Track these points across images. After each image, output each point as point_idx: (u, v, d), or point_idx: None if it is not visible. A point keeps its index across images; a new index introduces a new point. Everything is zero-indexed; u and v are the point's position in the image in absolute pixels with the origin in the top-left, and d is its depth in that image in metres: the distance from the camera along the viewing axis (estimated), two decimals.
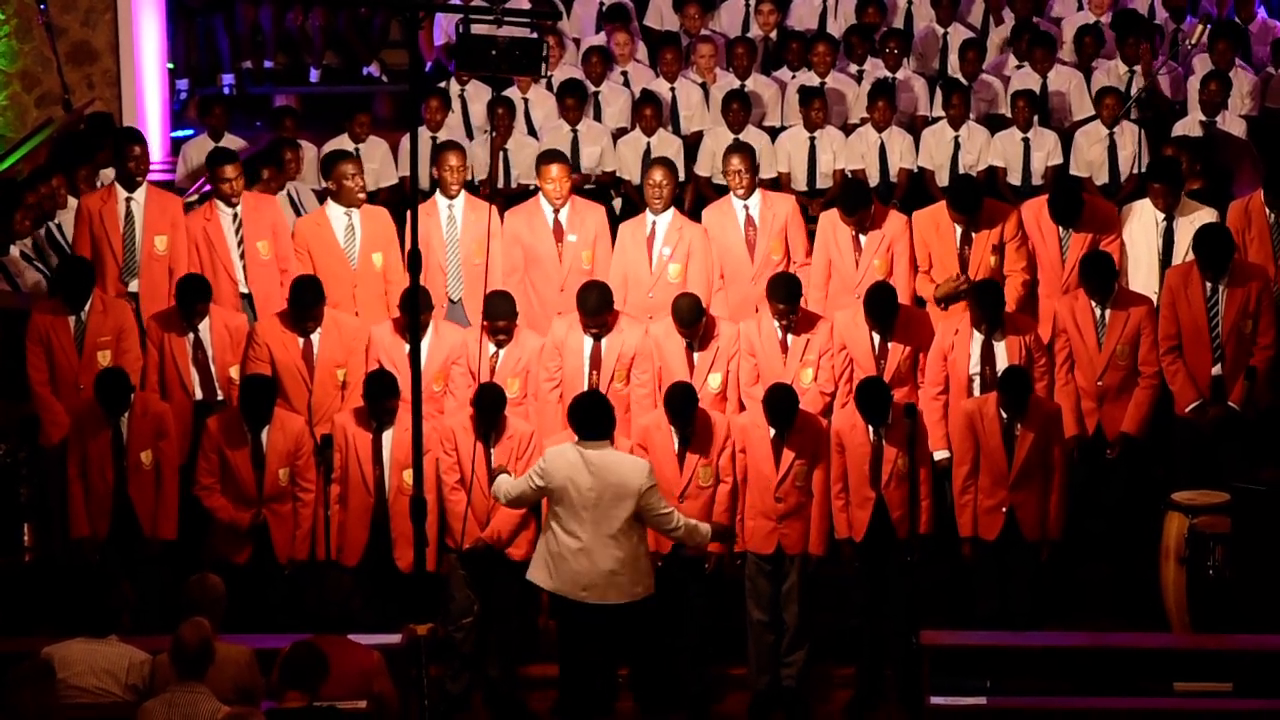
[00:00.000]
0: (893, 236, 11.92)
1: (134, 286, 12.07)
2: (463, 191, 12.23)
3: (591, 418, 10.13)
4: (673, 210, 12.08)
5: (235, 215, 12.11)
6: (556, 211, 12.14)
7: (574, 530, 10.02)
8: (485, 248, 11.80)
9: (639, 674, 10.82)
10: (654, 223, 12.03)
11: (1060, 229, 11.90)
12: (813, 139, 13.96)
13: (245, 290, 12.12)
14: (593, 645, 10.18)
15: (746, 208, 12.09)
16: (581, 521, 10.01)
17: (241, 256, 12.09)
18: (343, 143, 13.75)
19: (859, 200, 11.86)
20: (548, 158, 12.32)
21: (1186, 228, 11.89)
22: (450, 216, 12.17)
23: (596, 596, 10.05)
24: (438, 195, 12.24)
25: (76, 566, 10.80)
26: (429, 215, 12.10)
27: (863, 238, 11.87)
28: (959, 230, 11.87)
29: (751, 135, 13.85)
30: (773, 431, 10.74)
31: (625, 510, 10.01)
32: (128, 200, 12.11)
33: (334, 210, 12.12)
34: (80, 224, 12.12)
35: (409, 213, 9.38)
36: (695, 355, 11.35)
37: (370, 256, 12.06)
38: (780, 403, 10.66)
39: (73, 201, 12.76)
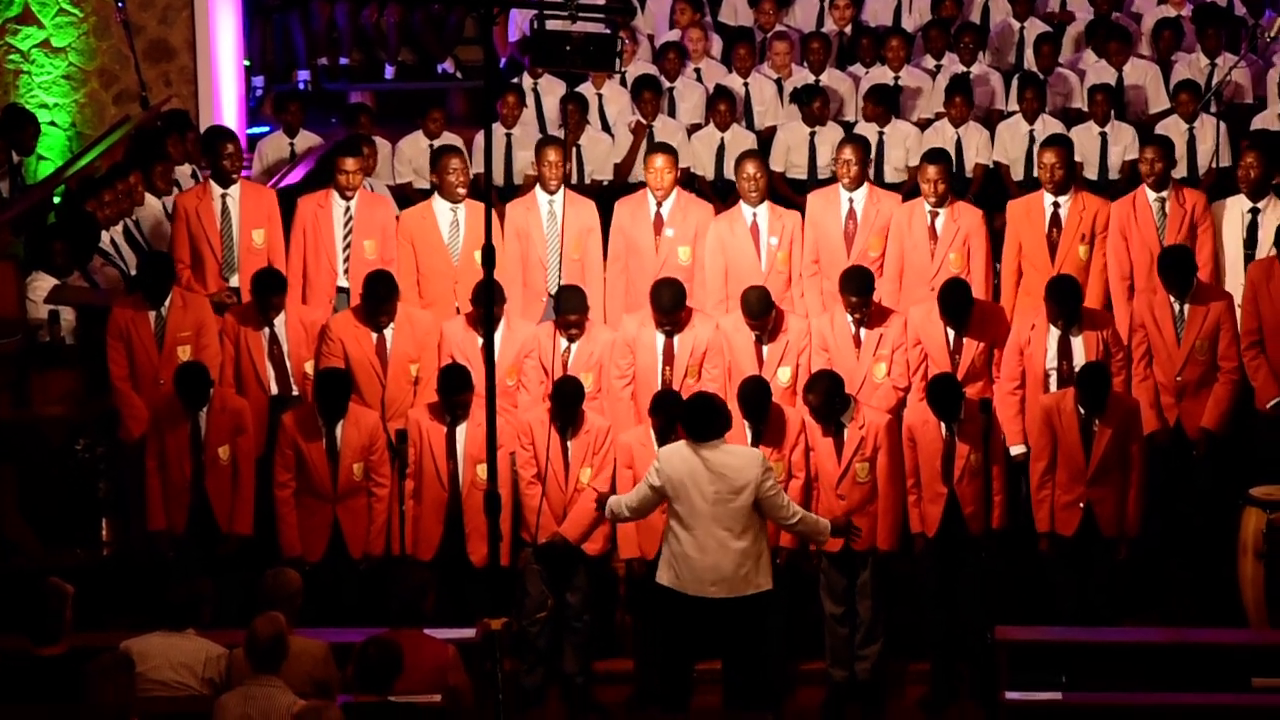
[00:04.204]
0: (969, 230, 11.87)
1: (235, 281, 12.09)
2: (563, 186, 12.13)
3: (705, 419, 9.86)
4: (767, 201, 12.05)
5: (348, 209, 12.04)
6: (659, 204, 12.10)
7: (696, 528, 9.77)
8: (582, 243, 11.81)
9: (739, 669, 10.64)
10: (754, 215, 11.96)
11: (1157, 223, 11.82)
12: (881, 134, 13.88)
13: (342, 284, 12.09)
14: (707, 642, 9.95)
15: (851, 200, 12.03)
16: (703, 519, 9.75)
17: (346, 249, 12.07)
18: (417, 139, 13.79)
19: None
20: (654, 149, 12.32)
21: (1272, 220, 11.81)
22: (551, 212, 12.06)
23: (726, 590, 9.79)
24: (537, 190, 12.13)
25: (153, 560, 10.89)
26: (529, 210, 12.07)
27: (939, 227, 11.83)
28: (1048, 215, 11.84)
29: (826, 130, 13.82)
30: (832, 429, 10.72)
31: (745, 502, 9.76)
32: (223, 196, 12.10)
33: (439, 205, 12.06)
34: (178, 222, 12.14)
35: (487, 207, 9.36)
36: (764, 349, 11.33)
37: (473, 253, 11.88)
38: (827, 387, 10.65)
39: (150, 198, 12.82)
